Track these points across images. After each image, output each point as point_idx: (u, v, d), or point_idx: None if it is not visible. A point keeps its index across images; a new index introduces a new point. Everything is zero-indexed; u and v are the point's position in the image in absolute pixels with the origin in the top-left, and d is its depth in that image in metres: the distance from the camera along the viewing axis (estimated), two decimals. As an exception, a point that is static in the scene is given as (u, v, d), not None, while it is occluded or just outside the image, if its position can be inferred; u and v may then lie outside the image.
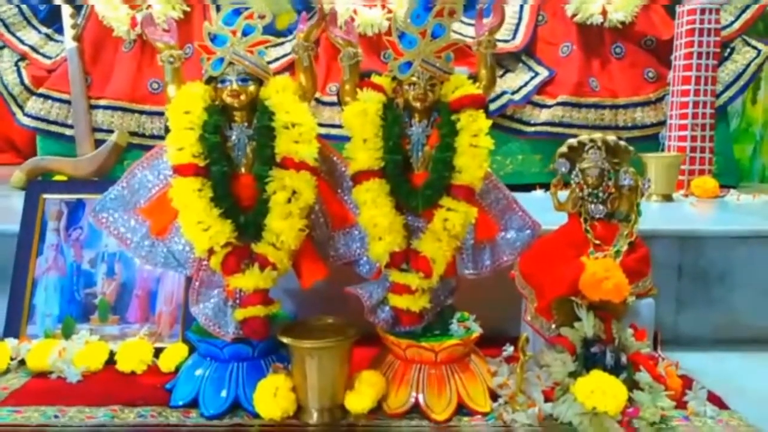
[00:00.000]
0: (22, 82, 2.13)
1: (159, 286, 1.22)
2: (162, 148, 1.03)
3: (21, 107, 2.13)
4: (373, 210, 0.98)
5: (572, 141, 1.12)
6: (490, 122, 1.00)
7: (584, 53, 2.08)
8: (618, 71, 2.10)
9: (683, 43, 1.96)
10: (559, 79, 2.06)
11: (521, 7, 2.14)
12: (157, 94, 2.05)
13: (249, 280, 0.97)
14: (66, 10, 2.08)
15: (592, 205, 1.09)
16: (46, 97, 2.05)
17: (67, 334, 1.19)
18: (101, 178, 1.98)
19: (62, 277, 1.23)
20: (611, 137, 1.12)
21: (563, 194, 1.14)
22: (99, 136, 2.02)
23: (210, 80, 1.03)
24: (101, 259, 1.24)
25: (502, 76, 2.07)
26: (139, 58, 2.05)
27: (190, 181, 0.96)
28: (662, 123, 2.07)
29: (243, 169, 1.01)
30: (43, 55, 2.16)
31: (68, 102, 2.04)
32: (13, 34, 2.17)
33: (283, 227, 0.96)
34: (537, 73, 2.07)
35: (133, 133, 2.04)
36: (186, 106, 0.99)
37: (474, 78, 1.05)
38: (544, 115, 2.05)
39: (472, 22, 2.08)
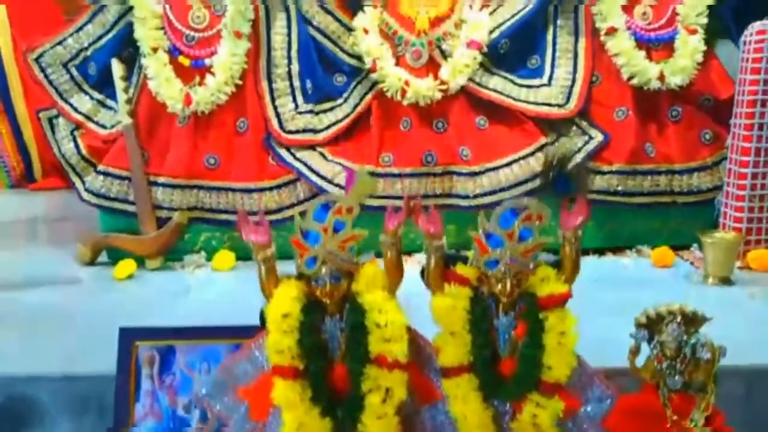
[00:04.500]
0: (79, 152, 2.17)
1: None
2: (258, 342, 1.09)
3: (79, 175, 2.18)
4: (463, 406, 1.03)
5: (650, 312, 1.15)
6: (576, 319, 1.03)
7: (640, 118, 2.06)
8: (674, 135, 2.07)
9: (743, 113, 1.92)
10: (614, 144, 2.04)
11: (574, 68, 2.10)
12: (213, 170, 2.08)
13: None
14: (119, 85, 2.10)
15: (670, 378, 1.13)
16: (106, 174, 2.10)
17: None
18: (164, 256, 2.05)
19: (159, 423, 1.31)
20: (689, 308, 1.14)
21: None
22: (160, 213, 2.08)
23: (302, 275, 1.07)
24: (194, 405, 1.31)
25: (554, 142, 2.06)
26: (194, 134, 2.07)
27: (290, 384, 1.02)
28: (718, 187, 2.05)
29: (338, 360, 1.07)
30: (97, 124, 2.18)
31: (128, 179, 2.08)
32: (66, 101, 2.19)
33: (379, 427, 1.02)
34: (591, 137, 2.05)
35: (192, 208, 2.09)
36: (284, 309, 1.04)
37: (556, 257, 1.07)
38: (599, 181, 2.04)
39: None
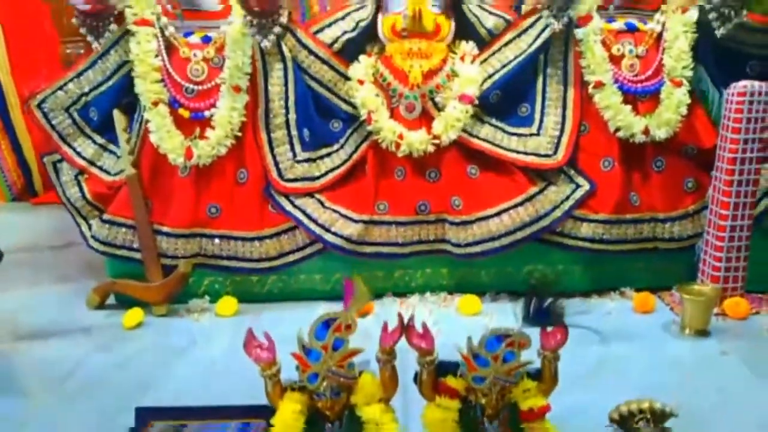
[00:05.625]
0: (84, 197, 2.24)
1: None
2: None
3: (85, 219, 2.26)
4: None
5: (623, 408, 1.26)
6: (554, 428, 1.14)
7: (625, 168, 2.14)
8: (658, 185, 2.15)
9: (724, 168, 2.01)
10: (601, 194, 2.12)
11: (563, 117, 2.16)
12: (215, 219, 2.16)
13: None
14: (122, 136, 2.16)
15: (642, 470, 1.25)
16: (112, 222, 2.18)
17: None
18: (170, 303, 2.15)
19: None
20: (657, 405, 1.26)
21: None
22: (165, 260, 2.16)
23: (304, 387, 1.17)
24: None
25: (543, 190, 2.14)
26: (196, 184, 2.15)
27: None
28: (699, 234, 2.15)
29: (338, 463, 1.18)
30: (101, 169, 2.25)
31: (133, 227, 2.16)
32: (70, 146, 2.25)
33: None
34: (578, 185, 2.14)
35: (195, 255, 2.17)
36: (289, 423, 1.14)
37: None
38: (585, 229, 2.13)
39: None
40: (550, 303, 1.42)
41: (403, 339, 1.17)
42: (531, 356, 1.13)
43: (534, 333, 1.13)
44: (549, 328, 1.13)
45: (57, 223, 2.99)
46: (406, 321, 1.18)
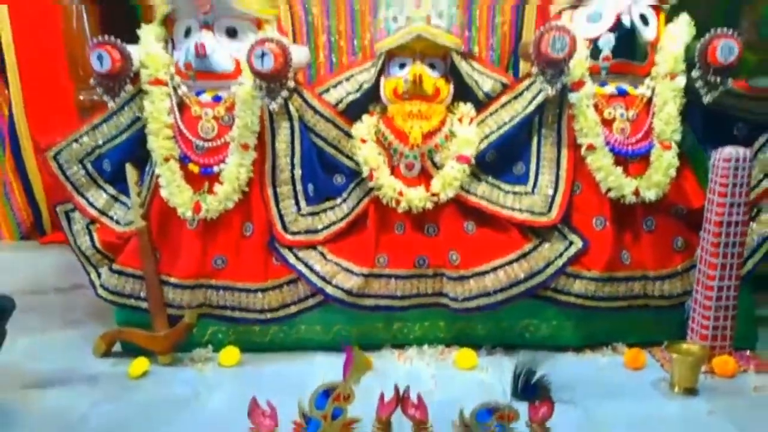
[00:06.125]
0: (94, 246, 2.33)
1: None
2: None
3: (94, 267, 2.35)
4: None
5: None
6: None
7: (617, 228, 2.22)
8: (648, 244, 2.23)
9: (712, 231, 2.08)
10: (593, 252, 2.20)
11: (557, 177, 2.25)
12: (221, 270, 2.24)
13: None
14: (133, 190, 2.25)
15: None
16: (120, 273, 2.26)
17: None
18: (174, 352, 2.22)
19: None
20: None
21: None
22: (170, 310, 2.23)
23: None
24: None
25: (537, 247, 2.22)
26: (203, 236, 2.23)
27: None
28: (688, 292, 2.22)
29: None
30: (111, 219, 2.34)
31: (141, 278, 2.24)
32: (83, 196, 2.35)
33: None
34: (571, 243, 2.22)
35: (200, 305, 2.25)
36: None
37: None
38: (578, 285, 2.20)
39: None
40: (538, 379, 1.48)
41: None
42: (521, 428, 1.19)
43: (522, 406, 1.19)
44: (536, 402, 1.20)
45: (63, 263, 3.03)
46: (401, 392, 1.24)
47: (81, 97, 3.12)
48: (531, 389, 1.22)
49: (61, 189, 2.37)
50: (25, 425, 1.83)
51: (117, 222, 2.33)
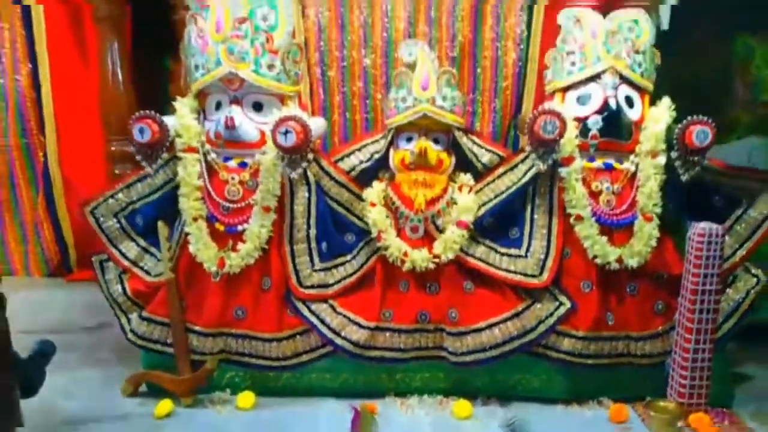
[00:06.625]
0: (125, 293, 2.56)
1: None
2: None
3: (125, 313, 2.57)
4: None
5: None
6: None
7: (602, 291, 2.42)
8: (632, 307, 2.43)
9: (688, 298, 2.29)
10: (580, 313, 2.40)
11: (548, 243, 2.47)
12: (241, 321, 2.46)
13: None
14: (164, 245, 2.49)
15: None
16: (150, 320, 2.48)
17: None
18: (195, 394, 2.42)
19: None
20: None
21: None
22: (194, 356, 2.45)
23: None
24: None
25: (530, 306, 2.43)
26: (226, 289, 2.45)
27: None
28: (668, 352, 2.41)
29: None
30: (142, 269, 2.57)
31: (168, 325, 2.46)
32: (116, 247, 2.58)
33: None
34: (561, 303, 2.42)
35: (220, 351, 2.46)
36: None
37: None
38: (566, 344, 2.41)
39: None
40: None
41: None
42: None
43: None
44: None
45: (89, 301, 3.24)
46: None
47: (112, 148, 3.36)
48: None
49: (90, 232, 2.59)
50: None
51: (147, 272, 2.56)
